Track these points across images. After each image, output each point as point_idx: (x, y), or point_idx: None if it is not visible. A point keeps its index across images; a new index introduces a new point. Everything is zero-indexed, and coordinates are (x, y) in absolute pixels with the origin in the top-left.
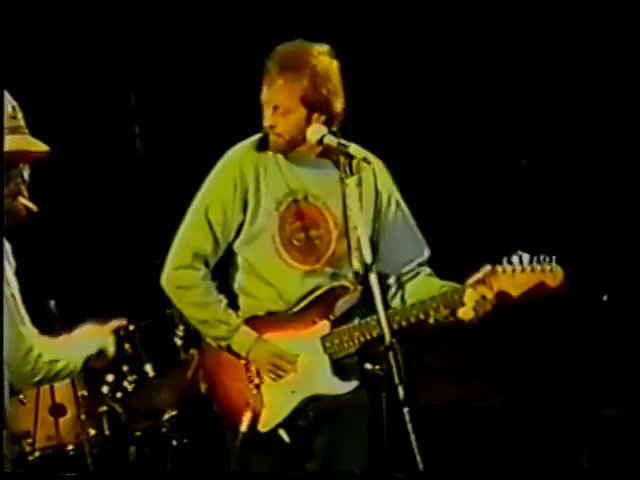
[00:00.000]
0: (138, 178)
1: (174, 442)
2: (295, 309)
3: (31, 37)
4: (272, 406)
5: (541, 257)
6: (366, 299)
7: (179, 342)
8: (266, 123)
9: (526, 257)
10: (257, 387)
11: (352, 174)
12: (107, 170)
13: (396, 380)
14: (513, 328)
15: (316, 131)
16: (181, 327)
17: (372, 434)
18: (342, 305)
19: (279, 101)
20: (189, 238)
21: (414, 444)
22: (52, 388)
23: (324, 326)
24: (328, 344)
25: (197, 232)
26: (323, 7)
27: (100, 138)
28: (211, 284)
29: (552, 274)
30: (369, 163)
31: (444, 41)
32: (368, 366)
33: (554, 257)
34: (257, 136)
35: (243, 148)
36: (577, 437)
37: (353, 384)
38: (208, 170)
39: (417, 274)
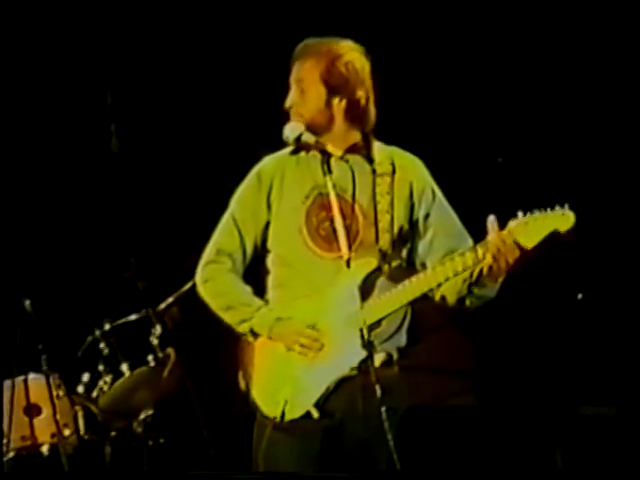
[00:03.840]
0: (114, 176)
1: (150, 442)
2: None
3: (6, 34)
4: (306, 389)
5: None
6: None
7: (155, 341)
8: (287, 104)
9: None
10: (292, 374)
11: (330, 172)
12: (83, 168)
13: (372, 379)
14: (489, 326)
15: (294, 128)
16: (157, 326)
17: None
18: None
19: (300, 75)
20: (216, 238)
21: (391, 443)
22: (27, 388)
23: (353, 300)
24: (357, 318)
25: (223, 231)
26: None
27: (77, 136)
28: (237, 276)
29: (563, 217)
30: (347, 162)
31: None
32: (393, 353)
33: (566, 204)
34: (291, 147)
35: (275, 155)
36: (552, 436)
37: (382, 357)
38: (187, 169)
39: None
